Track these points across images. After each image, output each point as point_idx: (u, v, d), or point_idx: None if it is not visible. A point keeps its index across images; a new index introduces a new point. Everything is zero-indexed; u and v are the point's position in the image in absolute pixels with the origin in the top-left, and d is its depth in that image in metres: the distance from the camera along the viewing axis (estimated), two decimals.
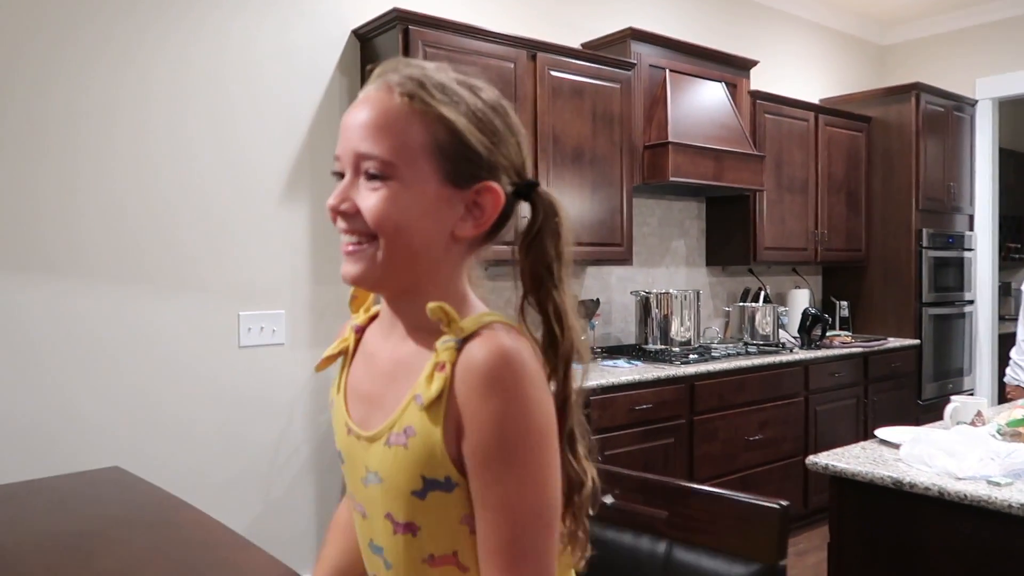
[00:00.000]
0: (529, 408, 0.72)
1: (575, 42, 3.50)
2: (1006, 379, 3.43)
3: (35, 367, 2.26)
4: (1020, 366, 3.36)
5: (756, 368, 3.45)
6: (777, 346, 3.79)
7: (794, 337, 4.03)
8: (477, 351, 0.73)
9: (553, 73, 3.08)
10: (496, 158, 0.79)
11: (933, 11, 4.91)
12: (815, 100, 4.66)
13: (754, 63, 3.94)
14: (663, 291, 3.57)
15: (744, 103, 3.90)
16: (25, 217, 2.25)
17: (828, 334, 4.08)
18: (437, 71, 0.80)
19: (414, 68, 0.79)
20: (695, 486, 0.95)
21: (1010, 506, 1.39)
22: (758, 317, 3.82)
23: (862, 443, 1.85)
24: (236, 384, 2.63)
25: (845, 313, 4.61)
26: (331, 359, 0.89)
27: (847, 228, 4.49)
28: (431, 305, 0.76)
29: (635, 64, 3.38)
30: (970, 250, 4.82)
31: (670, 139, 3.35)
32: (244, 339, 2.64)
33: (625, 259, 3.38)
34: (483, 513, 0.73)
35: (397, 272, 0.78)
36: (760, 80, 4.12)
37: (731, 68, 3.85)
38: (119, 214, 2.40)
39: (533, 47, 3.01)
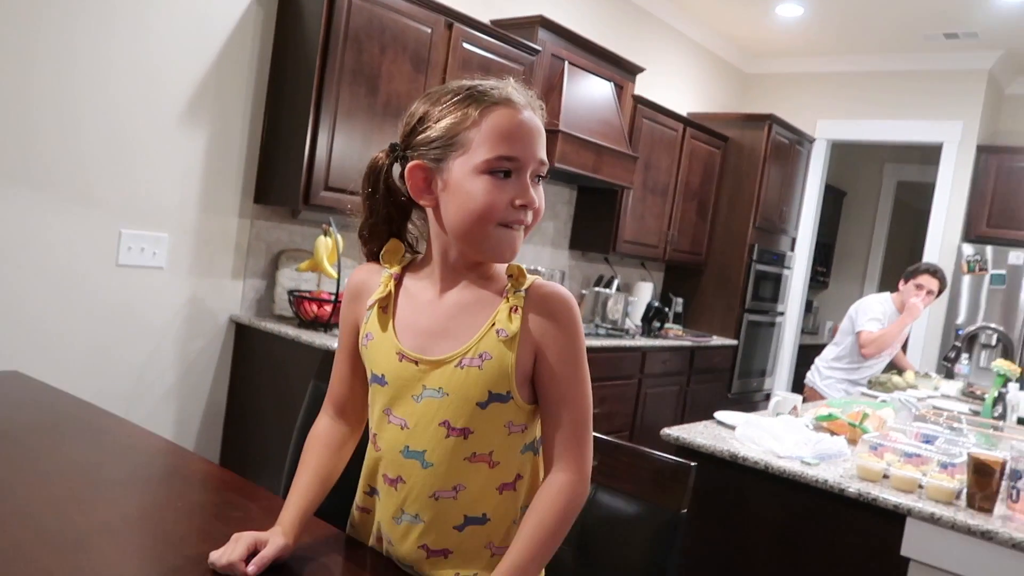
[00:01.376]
0: (583, 338, 1.02)
1: (486, 17, 3.62)
2: (807, 380, 4.00)
3: None
4: (819, 372, 3.94)
5: (603, 349, 3.79)
6: (623, 331, 4.17)
7: (636, 325, 4.43)
8: (552, 297, 0.99)
9: (465, 45, 3.19)
10: None
11: (790, 52, 5.48)
12: (684, 112, 5.08)
13: (641, 69, 4.25)
14: (531, 267, 3.80)
15: (627, 105, 4.20)
16: None
17: (665, 326, 4.52)
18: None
19: (536, 95, 1.03)
20: (623, 443, 1.16)
21: (816, 480, 1.74)
22: (610, 303, 4.17)
23: (703, 423, 2.18)
24: (110, 302, 2.56)
25: (679, 309, 5.10)
26: (377, 301, 1.05)
27: (693, 233, 4.96)
28: (512, 264, 1.01)
29: (540, 50, 3.56)
30: (788, 268, 5.48)
31: (560, 127, 3.57)
32: (123, 257, 2.57)
33: None
34: (562, 407, 0.99)
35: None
36: (641, 84, 4.44)
37: (621, 70, 4.13)
38: (20, 118, 2.26)
39: (452, 17, 3.11)
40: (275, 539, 0.96)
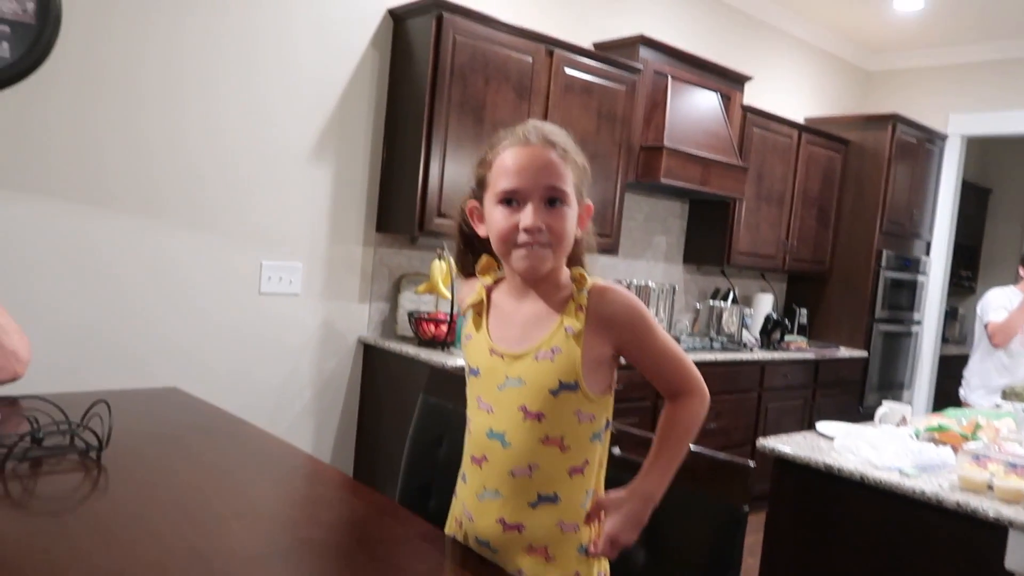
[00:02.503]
0: (649, 314, 1.19)
1: (587, 39, 3.75)
2: (960, 395, 3.84)
3: (96, 291, 2.48)
4: (968, 384, 3.78)
5: (719, 363, 3.79)
6: (740, 344, 4.13)
7: (755, 337, 4.37)
8: (611, 298, 1.16)
9: (567, 70, 3.33)
10: (589, 184, 1.21)
11: (916, 45, 5.24)
12: (800, 117, 4.98)
13: (748, 78, 4.22)
14: (643, 283, 3.87)
15: (736, 115, 4.19)
16: (96, 156, 2.45)
17: (786, 338, 4.43)
18: (560, 131, 1.19)
19: (552, 130, 1.18)
20: (638, 432, 1.28)
21: (913, 491, 1.73)
22: (725, 316, 4.15)
23: (803, 433, 2.18)
24: (254, 327, 2.88)
25: (803, 320, 4.96)
26: (472, 306, 1.27)
27: (815, 241, 4.83)
28: (575, 270, 1.20)
29: (641, 69, 3.64)
30: (923, 274, 5.21)
31: (665, 143, 3.63)
32: (264, 286, 2.88)
33: (612, 249, 3.67)
34: (657, 364, 1.19)
35: (556, 264, 1.18)
36: (751, 92, 4.41)
37: (727, 81, 4.13)
38: (172, 161, 2.62)
39: (552, 44, 3.26)
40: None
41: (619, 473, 1.25)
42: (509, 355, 1.19)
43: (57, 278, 2.45)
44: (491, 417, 1.20)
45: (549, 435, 1.16)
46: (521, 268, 1.17)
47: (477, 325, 1.26)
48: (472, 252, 1.31)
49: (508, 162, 1.15)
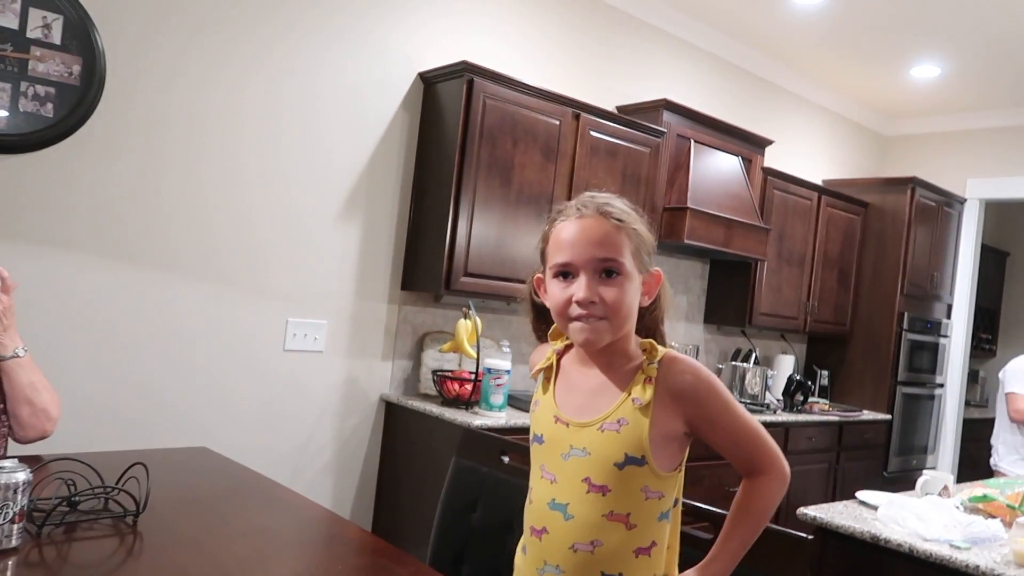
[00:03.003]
0: (724, 388, 1.16)
1: (612, 103, 3.80)
2: (992, 464, 3.74)
3: (124, 349, 2.48)
4: (998, 452, 3.67)
5: None
6: (763, 406, 4.08)
7: (778, 399, 4.31)
8: (682, 370, 1.14)
9: (592, 133, 3.37)
10: (652, 250, 1.19)
11: (933, 111, 5.30)
12: (819, 180, 5.01)
13: (770, 142, 4.27)
14: (673, 347, 3.84)
15: (756, 177, 4.22)
16: (126, 216, 2.48)
17: (809, 400, 4.37)
18: (616, 200, 1.19)
19: (607, 200, 1.18)
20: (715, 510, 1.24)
21: (967, 566, 1.67)
22: (748, 377, 4.10)
23: (843, 502, 2.12)
24: (278, 383, 2.86)
25: (825, 382, 4.91)
26: (541, 370, 1.27)
27: (835, 302, 4.81)
28: (643, 341, 1.19)
29: (665, 132, 3.69)
30: (945, 336, 5.16)
31: (689, 204, 3.65)
32: (289, 343, 2.87)
33: None
34: (734, 440, 1.15)
35: (615, 336, 1.16)
36: (772, 155, 4.45)
37: (748, 144, 4.17)
38: (205, 216, 2.64)
39: (578, 108, 3.31)
40: None
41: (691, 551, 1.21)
42: (574, 424, 1.17)
43: (86, 336, 2.44)
44: (554, 487, 1.17)
45: (614, 511, 1.12)
46: (579, 341, 1.17)
47: (545, 390, 1.24)
48: (544, 320, 1.31)
49: (562, 235, 1.16)
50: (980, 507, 2.05)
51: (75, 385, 2.39)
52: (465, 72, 2.96)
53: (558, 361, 1.26)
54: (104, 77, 2.42)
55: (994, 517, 1.95)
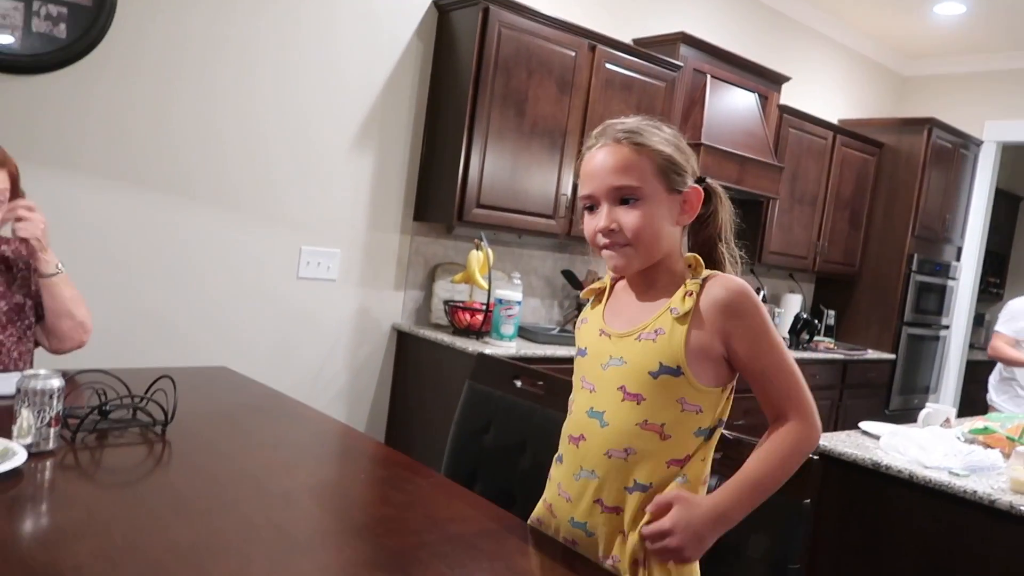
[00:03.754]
0: (767, 315, 1.13)
1: (628, 36, 3.74)
2: (989, 400, 3.79)
3: (142, 271, 2.51)
4: (995, 390, 3.73)
5: None
6: None
7: (784, 337, 4.35)
8: (724, 286, 1.11)
9: (608, 66, 3.32)
10: (688, 167, 1.17)
11: (953, 51, 5.19)
12: (835, 119, 4.94)
13: (787, 79, 4.20)
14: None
15: (772, 115, 4.17)
16: (142, 140, 2.48)
17: (814, 339, 4.41)
18: (638, 122, 1.17)
19: (625, 124, 1.16)
20: (744, 437, 1.25)
21: (965, 492, 1.72)
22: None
23: (846, 432, 2.18)
24: (292, 310, 2.90)
25: (831, 321, 4.94)
26: (593, 290, 1.29)
27: (845, 243, 4.81)
28: (688, 255, 1.18)
29: (681, 66, 3.63)
30: (953, 279, 5.16)
31: (702, 140, 3.62)
32: (303, 271, 2.91)
33: None
34: (768, 375, 1.11)
35: (647, 260, 1.16)
36: (788, 93, 4.38)
37: (765, 81, 4.11)
38: (218, 142, 2.64)
39: (594, 39, 3.25)
40: None
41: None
42: (616, 335, 1.18)
43: (98, 260, 2.48)
44: (593, 396, 1.19)
45: (648, 419, 1.12)
46: (610, 268, 1.19)
47: (594, 307, 1.27)
48: None
49: (585, 168, 1.18)
50: (980, 439, 2.10)
51: (97, 301, 2.43)
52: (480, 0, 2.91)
53: (611, 286, 1.28)
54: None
55: (993, 448, 2.00)
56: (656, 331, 1.13)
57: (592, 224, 1.16)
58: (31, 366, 1.76)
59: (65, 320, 1.76)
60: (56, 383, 1.18)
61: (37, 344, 1.83)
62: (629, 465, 1.14)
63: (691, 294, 1.12)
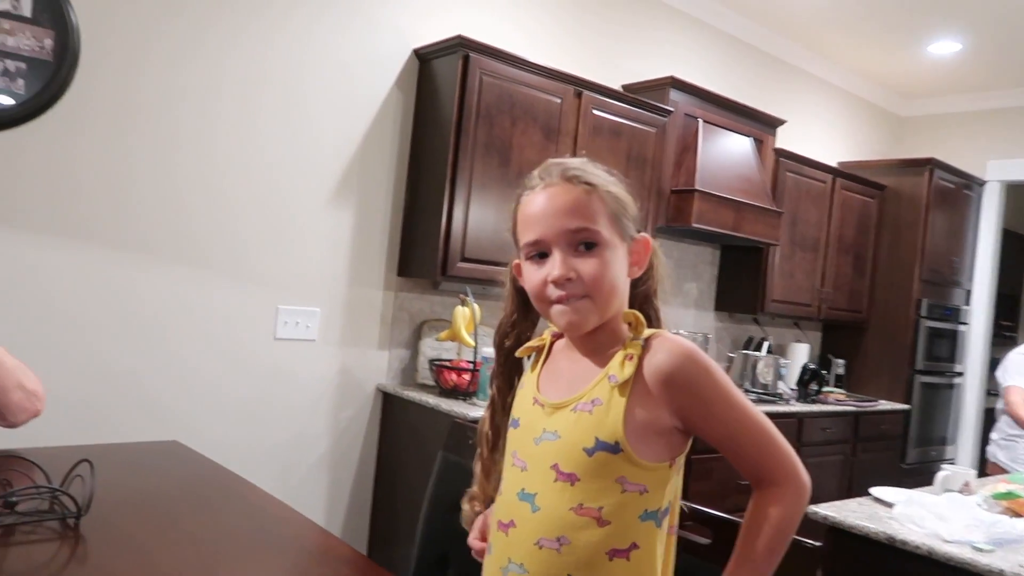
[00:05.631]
0: (721, 375, 0.99)
1: (617, 82, 3.66)
2: (988, 455, 3.57)
3: (105, 331, 2.38)
4: (999, 445, 3.50)
5: None
6: (776, 396, 3.94)
7: (791, 389, 4.17)
8: (668, 349, 0.99)
9: (595, 112, 3.23)
10: (636, 214, 1.06)
11: (952, 90, 5.10)
12: (833, 162, 4.84)
13: (782, 122, 4.11)
14: (674, 331, 3.70)
15: (768, 159, 4.07)
16: (111, 195, 2.37)
17: (823, 390, 4.22)
18: (584, 163, 1.06)
19: (573, 164, 1.05)
20: (740, 519, 1.08)
21: (991, 570, 1.54)
22: (760, 366, 3.96)
23: (857, 499, 1.99)
24: (270, 373, 2.75)
25: (840, 371, 4.76)
26: (530, 349, 1.14)
27: (851, 289, 4.65)
28: (626, 311, 1.04)
29: (672, 111, 3.54)
30: (964, 324, 4.99)
31: (696, 187, 3.51)
32: (280, 331, 2.77)
33: None
34: (735, 438, 0.99)
35: (603, 316, 1.02)
36: (784, 137, 4.29)
37: (760, 124, 4.02)
38: (181, 199, 2.53)
39: (580, 85, 3.17)
40: None
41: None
42: (550, 405, 1.04)
43: (72, 319, 2.34)
44: (523, 475, 1.03)
45: (584, 503, 0.97)
46: (562, 326, 1.05)
47: (532, 370, 1.13)
48: (531, 310, 1.15)
49: (528, 211, 1.05)
50: (1004, 505, 1.91)
51: (39, 375, 2.29)
52: (460, 48, 2.83)
53: (551, 344, 1.13)
54: (78, 52, 2.31)
55: (1019, 515, 1.82)
56: (593, 401, 0.99)
57: (540, 275, 1.02)
58: None
59: (15, 392, 1.62)
60: None
61: None
62: (563, 559, 0.97)
63: (631, 358, 0.99)
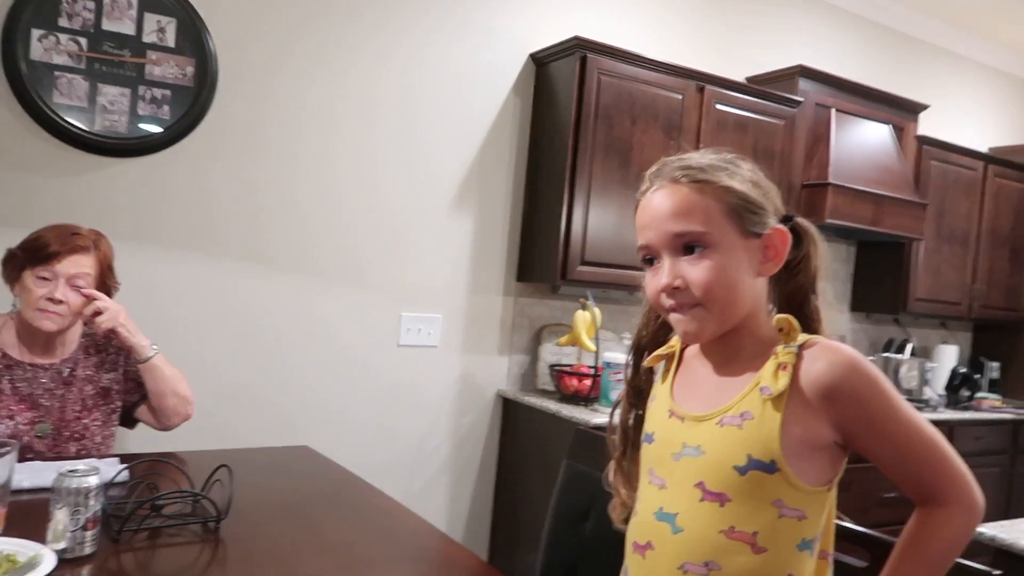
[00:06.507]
0: (887, 386, 0.91)
1: (741, 74, 3.51)
2: None
3: (240, 345, 2.50)
4: None
5: None
6: (921, 403, 3.65)
7: (939, 395, 3.86)
8: (828, 359, 0.90)
9: (719, 106, 3.10)
10: (768, 205, 0.95)
11: None
12: (984, 147, 4.44)
13: (924, 107, 3.82)
14: (837, 336, 3.51)
15: (910, 147, 3.78)
16: (247, 215, 2.50)
17: (976, 396, 3.88)
18: (701, 156, 0.97)
19: (685, 160, 0.97)
20: (885, 538, 0.99)
21: None
22: (903, 370, 3.68)
23: None
24: (393, 380, 2.81)
25: (995, 375, 4.35)
26: (659, 357, 1.08)
27: (1007, 284, 4.25)
28: (779, 316, 0.97)
29: (801, 101, 3.35)
30: None
31: (830, 180, 3.31)
32: (404, 338, 2.82)
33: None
34: (904, 459, 0.91)
35: (724, 323, 0.95)
36: (927, 123, 3.97)
37: (899, 110, 3.74)
38: (303, 215, 2.62)
39: (701, 79, 3.05)
40: None
41: None
42: (690, 417, 0.97)
43: (208, 332, 2.48)
44: (662, 494, 0.97)
45: (736, 526, 0.89)
46: (680, 335, 0.99)
47: (663, 380, 1.06)
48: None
49: (639, 216, 1.01)
50: None
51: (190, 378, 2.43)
52: (577, 49, 2.79)
53: (682, 350, 1.07)
54: (216, 77, 2.43)
55: None
56: (743, 414, 0.91)
57: (653, 284, 0.98)
58: (111, 451, 1.73)
59: (170, 398, 1.75)
60: (93, 481, 1.09)
61: (135, 424, 1.81)
62: None
63: (785, 367, 0.90)
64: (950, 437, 3.52)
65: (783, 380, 0.90)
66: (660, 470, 0.98)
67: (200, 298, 2.47)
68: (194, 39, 2.40)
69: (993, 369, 4.36)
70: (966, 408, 3.76)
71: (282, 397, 2.61)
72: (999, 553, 1.64)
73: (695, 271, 0.93)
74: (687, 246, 0.94)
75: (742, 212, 0.95)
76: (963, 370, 3.84)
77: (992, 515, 3.27)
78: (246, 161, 2.52)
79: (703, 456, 0.93)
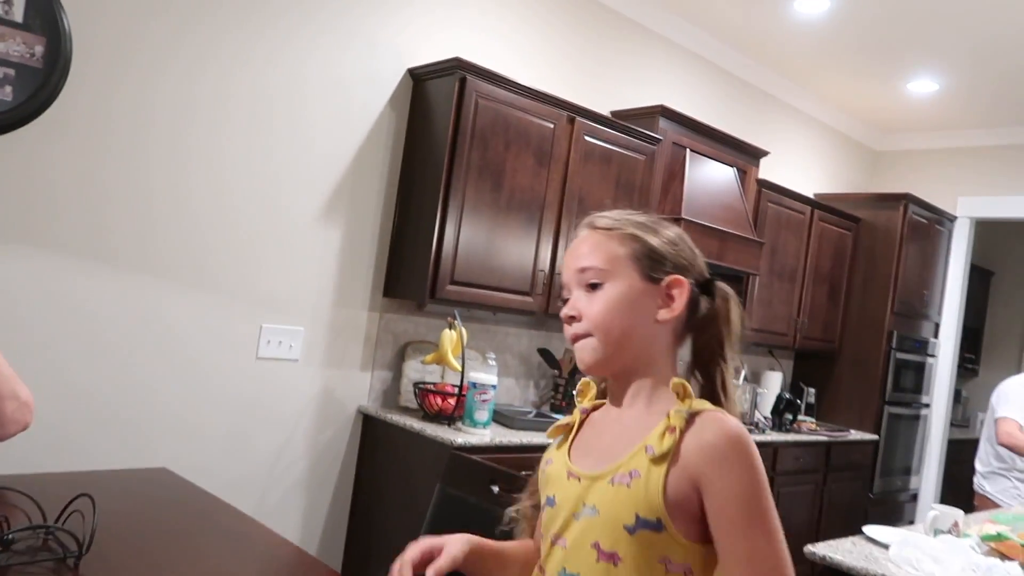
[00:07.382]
0: (761, 478, 0.91)
1: (607, 108, 3.68)
2: (975, 486, 3.60)
3: (89, 351, 2.29)
4: (985, 478, 3.55)
5: None
6: (752, 425, 3.96)
7: (765, 417, 4.21)
8: (715, 427, 0.92)
9: (587, 138, 3.24)
10: (678, 260, 1.01)
11: (926, 127, 5.24)
12: (810, 193, 4.92)
13: (765, 153, 4.17)
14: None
15: (751, 189, 4.12)
16: (97, 210, 2.30)
17: (797, 419, 4.27)
18: (626, 212, 1.06)
19: (604, 214, 1.06)
20: None
21: None
22: (737, 394, 3.97)
23: (851, 538, 2.00)
24: (251, 393, 2.68)
25: (811, 400, 4.81)
26: (561, 428, 1.10)
27: (825, 319, 4.72)
28: (675, 380, 0.97)
29: (660, 139, 3.56)
30: (932, 356, 5.09)
31: (683, 215, 3.53)
32: (263, 351, 2.70)
33: None
34: (734, 567, 0.89)
35: (614, 357, 0.99)
36: (765, 167, 4.35)
37: (744, 155, 4.07)
38: (157, 210, 2.46)
39: (572, 111, 3.17)
40: (451, 547, 1.00)
41: None
42: (586, 477, 0.99)
43: (48, 336, 2.26)
44: (565, 554, 0.99)
45: None
46: (579, 364, 1.05)
47: (560, 447, 1.09)
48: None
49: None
50: (994, 547, 1.93)
51: (33, 385, 2.20)
52: (457, 69, 2.82)
53: (583, 420, 1.11)
54: (70, 60, 2.24)
55: (1008, 558, 1.84)
56: (631, 473, 0.94)
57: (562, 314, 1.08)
58: None
59: (9, 402, 1.53)
60: None
61: None
62: None
63: (673, 431, 0.93)
64: (774, 458, 3.87)
65: (668, 442, 0.92)
66: (562, 531, 1.00)
67: (39, 298, 2.25)
68: (47, 15, 2.19)
69: (810, 394, 4.81)
70: (789, 431, 4.13)
71: (130, 408, 2.42)
72: (827, 570, 1.82)
73: (590, 303, 1.01)
74: (589, 283, 1.02)
75: (643, 258, 1.02)
76: (787, 395, 4.21)
77: (807, 527, 3.56)
78: (95, 152, 2.32)
79: (598, 516, 0.95)
